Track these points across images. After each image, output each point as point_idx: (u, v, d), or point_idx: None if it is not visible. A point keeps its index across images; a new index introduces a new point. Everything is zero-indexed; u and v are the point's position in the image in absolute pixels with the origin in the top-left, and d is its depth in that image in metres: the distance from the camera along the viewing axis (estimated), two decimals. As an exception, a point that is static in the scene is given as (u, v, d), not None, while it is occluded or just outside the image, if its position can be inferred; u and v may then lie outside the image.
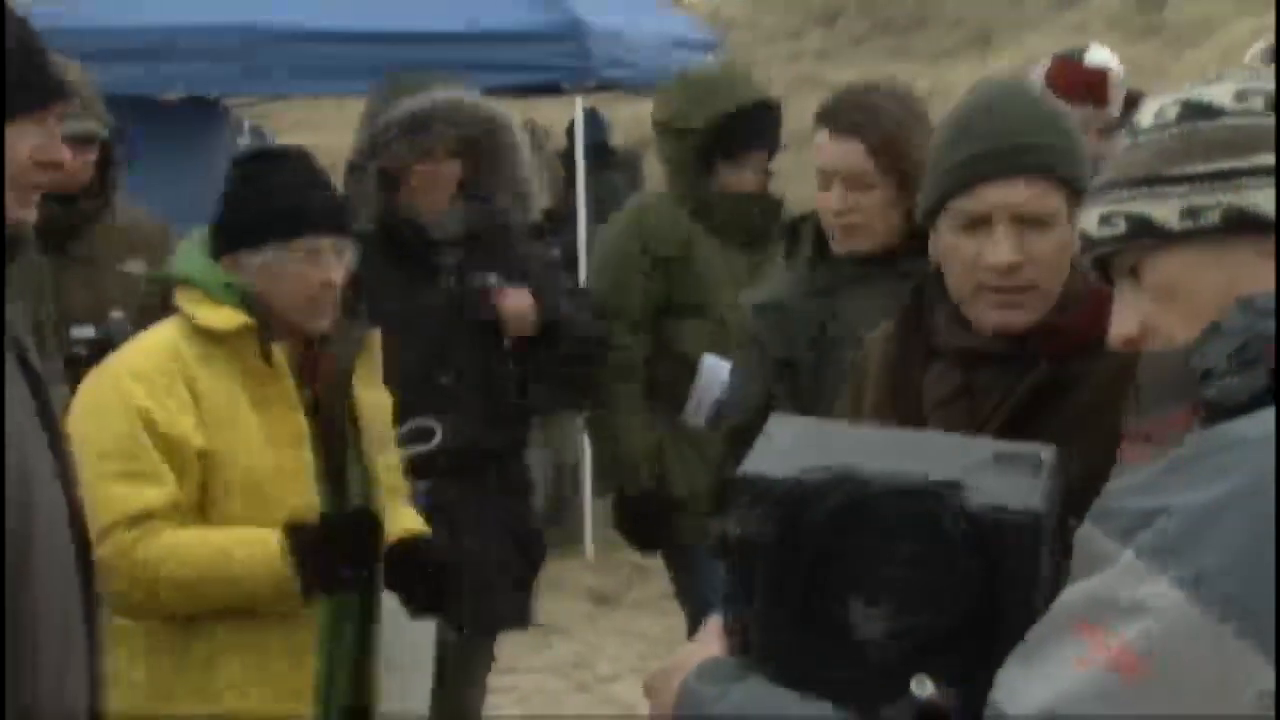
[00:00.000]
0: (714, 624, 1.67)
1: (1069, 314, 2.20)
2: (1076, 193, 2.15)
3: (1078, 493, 1.81)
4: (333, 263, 2.99)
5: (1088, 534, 1.39)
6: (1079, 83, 4.47)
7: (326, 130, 15.34)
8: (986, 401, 2.20)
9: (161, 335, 3.00)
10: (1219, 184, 1.49)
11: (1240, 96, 1.52)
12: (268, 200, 3.00)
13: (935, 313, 2.29)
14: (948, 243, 2.22)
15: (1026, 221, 2.16)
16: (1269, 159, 1.48)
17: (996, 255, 2.15)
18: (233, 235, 3.02)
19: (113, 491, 2.85)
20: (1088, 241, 1.59)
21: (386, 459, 3.22)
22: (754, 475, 1.56)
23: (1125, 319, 1.57)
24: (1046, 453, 1.63)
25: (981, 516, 1.49)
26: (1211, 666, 1.27)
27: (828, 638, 1.53)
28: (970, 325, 2.22)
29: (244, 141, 8.84)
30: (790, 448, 1.61)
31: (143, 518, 2.87)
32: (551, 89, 8.20)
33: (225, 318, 2.96)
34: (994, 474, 1.55)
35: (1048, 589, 1.49)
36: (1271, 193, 1.48)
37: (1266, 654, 1.26)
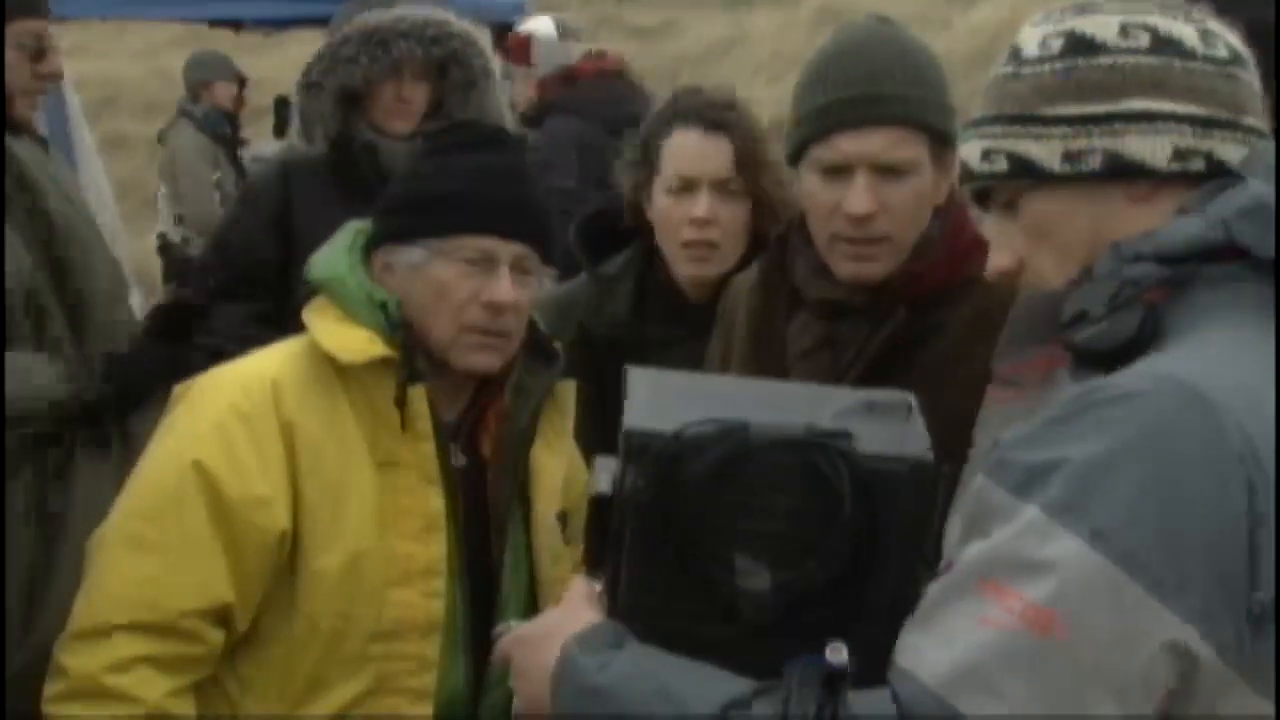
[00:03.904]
0: (581, 587, 1.61)
1: (926, 262, 2.19)
2: (939, 140, 2.15)
3: (936, 440, 1.83)
4: (509, 279, 2.14)
5: (981, 487, 1.37)
6: (516, 46, 5.59)
7: (103, 58, 14.78)
8: (847, 351, 2.18)
9: (271, 359, 2.18)
10: (1095, 128, 1.49)
11: (1124, 31, 1.51)
12: (436, 181, 2.18)
13: (797, 262, 2.26)
14: (808, 189, 2.19)
15: (885, 170, 2.14)
16: (1142, 103, 1.48)
17: (853, 205, 2.13)
18: (386, 225, 2.21)
19: (122, 573, 2.07)
20: (968, 174, 1.58)
21: (554, 550, 2.28)
22: (636, 430, 1.51)
23: (1002, 252, 1.57)
24: (911, 399, 1.62)
25: (872, 465, 1.47)
26: (1119, 618, 1.28)
27: (703, 594, 1.49)
28: (830, 275, 2.20)
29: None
30: (667, 402, 1.56)
31: (129, 659, 2.05)
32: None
33: (357, 343, 2.12)
34: (871, 422, 1.53)
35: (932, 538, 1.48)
36: (1147, 138, 1.48)
37: (1166, 604, 1.28)
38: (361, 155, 3.50)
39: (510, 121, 3.68)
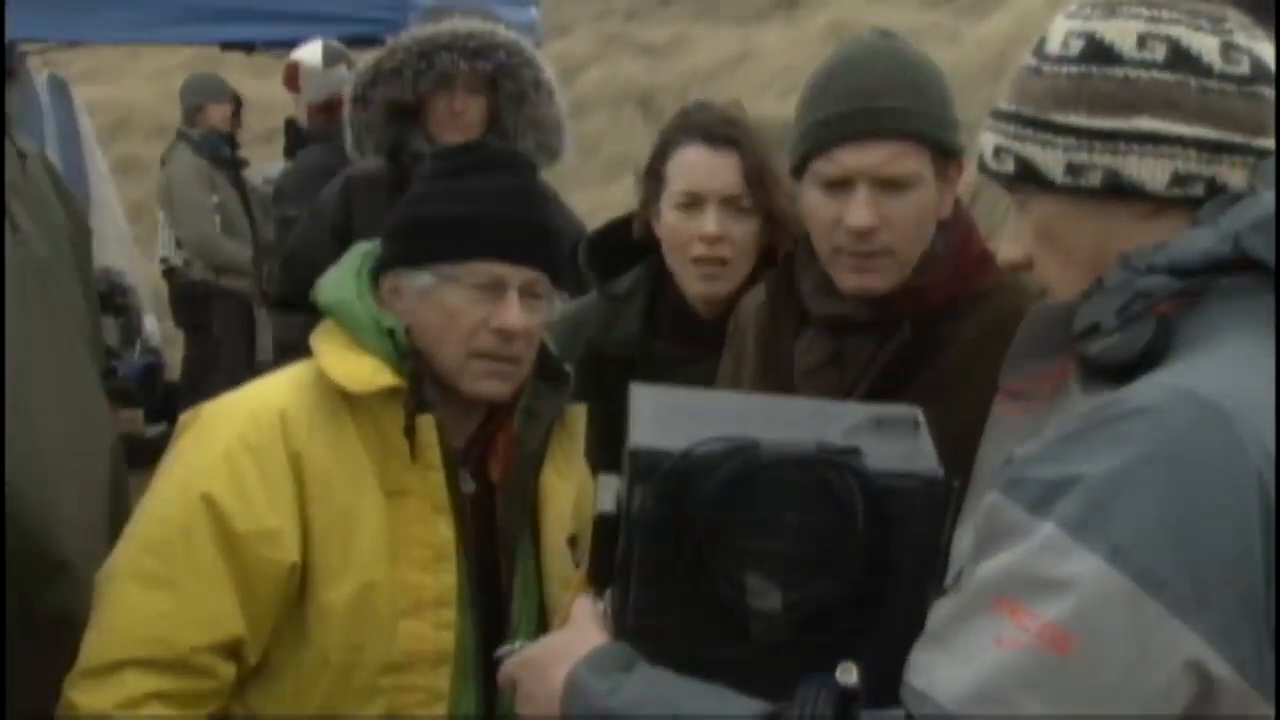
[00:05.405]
0: (585, 608, 1.60)
1: (931, 276, 2.18)
2: (942, 153, 2.14)
3: (943, 454, 1.82)
4: (519, 304, 2.11)
5: (995, 504, 1.36)
6: (287, 73, 5.83)
7: (116, 82, 14.83)
8: (854, 367, 2.17)
9: (278, 388, 2.15)
10: (1099, 144, 1.48)
11: (1141, 42, 1.49)
12: (444, 204, 2.14)
13: (803, 279, 2.25)
14: (810, 202, 2.18)
15: (886, 184, 2.13)
16: (1150, 122, 1.47)
17: (853, 218, 2.12)
18: (393, 249, 2.17)
19: (131, 608, 2.03)
20: (983, 167, 1.58)
21: (564, 575, 2.21)
22: (643, 449, 1.50)
23: (1014, 245, 1.57)
24: (919, 414, 1.61)
25: (883, 482, 1.46)
26: (1138, 637, 1.26)
27: (713, 615, 1.48)
28: (836, 291, 2.19)
29: (41, 90, 8.39)
30: (672, 420, 1.55)
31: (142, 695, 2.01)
32: (371, 41, 8.00)
33: (364, 373, 2.09)
34: (880, 439, 1.53)
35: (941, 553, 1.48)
36: (1147, 160, 1.47)
37: (1187, 622, 1.26)
38: (412, 167, 3.43)
39: (571, 134, 3.59)
